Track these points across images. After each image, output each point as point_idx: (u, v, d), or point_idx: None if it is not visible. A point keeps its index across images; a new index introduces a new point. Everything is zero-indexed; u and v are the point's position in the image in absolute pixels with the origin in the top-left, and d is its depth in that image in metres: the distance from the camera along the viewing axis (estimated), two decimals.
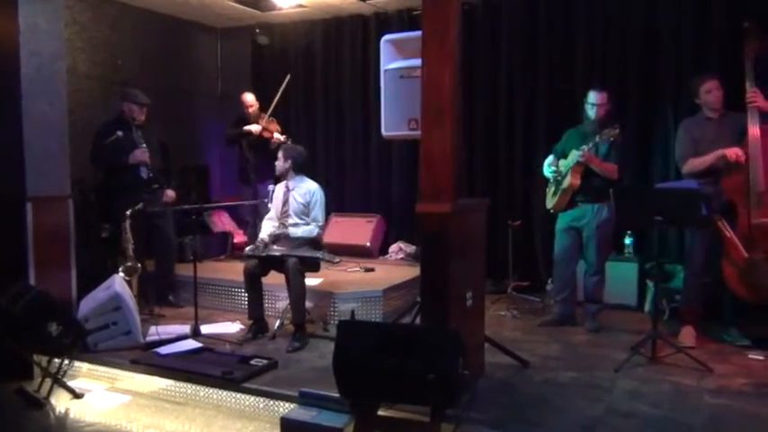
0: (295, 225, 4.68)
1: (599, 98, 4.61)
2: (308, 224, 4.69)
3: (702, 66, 5.05)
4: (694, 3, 5.21)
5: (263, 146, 6.07)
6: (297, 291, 4.38)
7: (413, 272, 5.23)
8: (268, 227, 4.77)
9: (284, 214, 4.74)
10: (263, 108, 6.21)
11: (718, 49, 5.07)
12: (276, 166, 4.80)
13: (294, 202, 4.73)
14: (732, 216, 4.05)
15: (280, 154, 4.79)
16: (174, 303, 5.37)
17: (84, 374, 4.03)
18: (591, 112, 4.64)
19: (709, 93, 4.21)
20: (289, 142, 5.88)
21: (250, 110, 6.18)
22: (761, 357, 3.98)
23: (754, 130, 3.94)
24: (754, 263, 3.88)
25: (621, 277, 5.22)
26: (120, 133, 5.03)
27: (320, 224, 4.74)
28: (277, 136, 6.06)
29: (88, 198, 5.56)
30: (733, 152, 3.97)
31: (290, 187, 4.76)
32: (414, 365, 2.86)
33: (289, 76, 6.18)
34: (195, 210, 5.07)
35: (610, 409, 3.27)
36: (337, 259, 4.74)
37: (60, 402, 3.68)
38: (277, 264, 4.53)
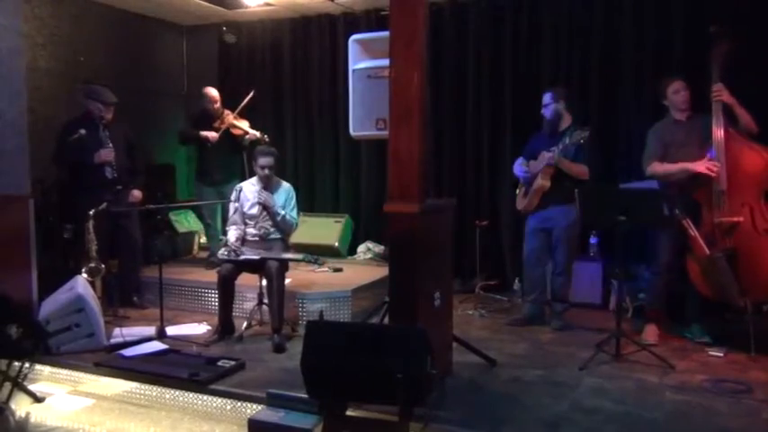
0: (275, 226, 4.69)
1: (544, 98, 4.73)
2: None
3: (663, 68, 5.16)
4: (655, 7, 5.32)
5: (230, 144, 5.81)
6: (279, 293, 4.37)
7: (381, 272, 5.24)
8: (234, 231, 4.71)
9: (263, 218, 4.69)
10: (225, 104, 5.94)
11: (681, 52, 5.19)
12: (265, 173, 4.66)
13: (274, 205, 4.70)
14: (697, 215, 4.16)
15: (269, 160, 4.67)
16: (138, 305, 5.28)
17: (46, 378, 3.94)
18: (543, 112, 4.76)
19: (677, 93, 4.31)
20: (265, 138, 5.76)
21: (215, 105, 5.86)
22: (720, 354, 4.08)
23: (718, 131, 4.05)
24: (714, 260, 3.98)
25: (587, 276, 5.30)
26: (82, 131, 4.89)
27: (296, 219, 4.79)
28: (252, 132, 5.80)
29: (50, 198, 5.43)
30: (703, 166, 4.05)
31: (269, 190, 4.72)
32: (382, 365, 2.86)
33: (253, 93, 5.94)
34: (160, 209, 4.98)
35: (575, 405, 3.32)
36: (321, 260, 4.71)
37: (21, 407, 3.59)
38: (252, 266, 4.51)
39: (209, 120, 5.84)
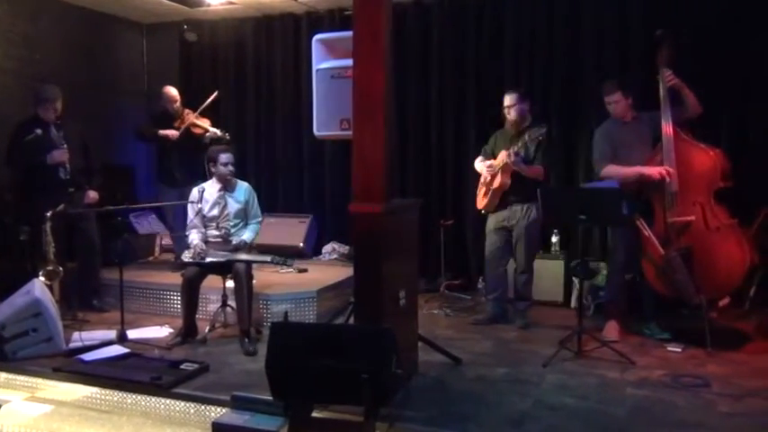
0: (236, 226, 4.67)
1: (508, 99, 4.75)
2: (246, 224, 4.72)
3: (624, 68, 5.28)
4: (616, 8, 5.43)
5: (191, 143, 5.67)
6: (248, 295, 4.33)
7: (346, 272, 5.22)
8: (196, 233, 4.63)
9: (224, 218, 4.65)
10: (185, 104, 5.85)
11: (640, 53, 5.27)
12: (221, 171, 4.62)
13: (234, 205, 4.67)
14: (650, 215, 4.26)
15: (230, 157, 4.65)
16: (98, 308, 5.17)
17: (2, 384, 3.85)
18: (506, 114, 4.77)
19: (610, 105, 4.44)
20: (226, 136, 5.68)
21: (175, 105, 5.76)
22: (678, 350, 4.18)
23: (667, 127, 4.16)
24: (669, 259, 4.08)
25: (549, 274, 5.38)
26: (38, 131, 4.81)
27: (260, 220, 4.81)
28: (213, 130, 5.70)
29: (4, 199, 5.30)
30: (657, 171, 4.15)
31: (228, 190, 4.69)
32: (347, 366, 2.86)
33: (216, 93, 5.89)
34: (119, 211, 4.90)
35: (539, 402, 3.36)
36: (290, 262, 4.69)
37: None
38: (218, 269, 4.46)
39: (169, 120, 5.75)
